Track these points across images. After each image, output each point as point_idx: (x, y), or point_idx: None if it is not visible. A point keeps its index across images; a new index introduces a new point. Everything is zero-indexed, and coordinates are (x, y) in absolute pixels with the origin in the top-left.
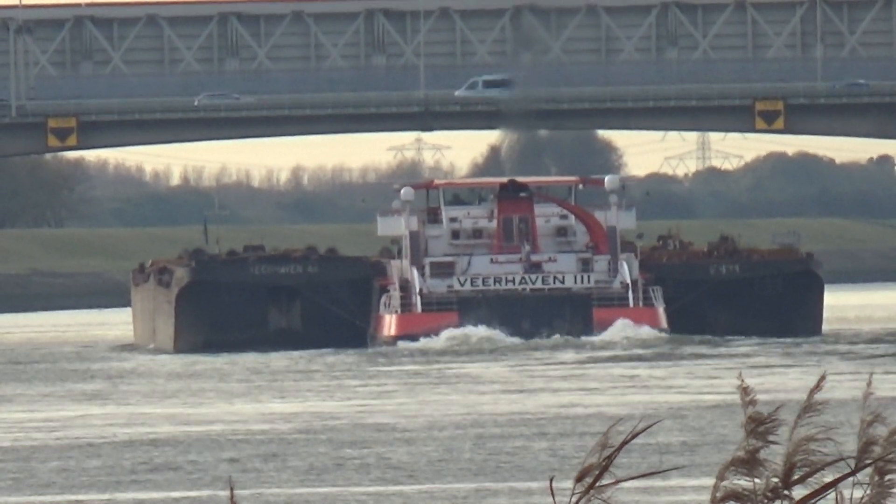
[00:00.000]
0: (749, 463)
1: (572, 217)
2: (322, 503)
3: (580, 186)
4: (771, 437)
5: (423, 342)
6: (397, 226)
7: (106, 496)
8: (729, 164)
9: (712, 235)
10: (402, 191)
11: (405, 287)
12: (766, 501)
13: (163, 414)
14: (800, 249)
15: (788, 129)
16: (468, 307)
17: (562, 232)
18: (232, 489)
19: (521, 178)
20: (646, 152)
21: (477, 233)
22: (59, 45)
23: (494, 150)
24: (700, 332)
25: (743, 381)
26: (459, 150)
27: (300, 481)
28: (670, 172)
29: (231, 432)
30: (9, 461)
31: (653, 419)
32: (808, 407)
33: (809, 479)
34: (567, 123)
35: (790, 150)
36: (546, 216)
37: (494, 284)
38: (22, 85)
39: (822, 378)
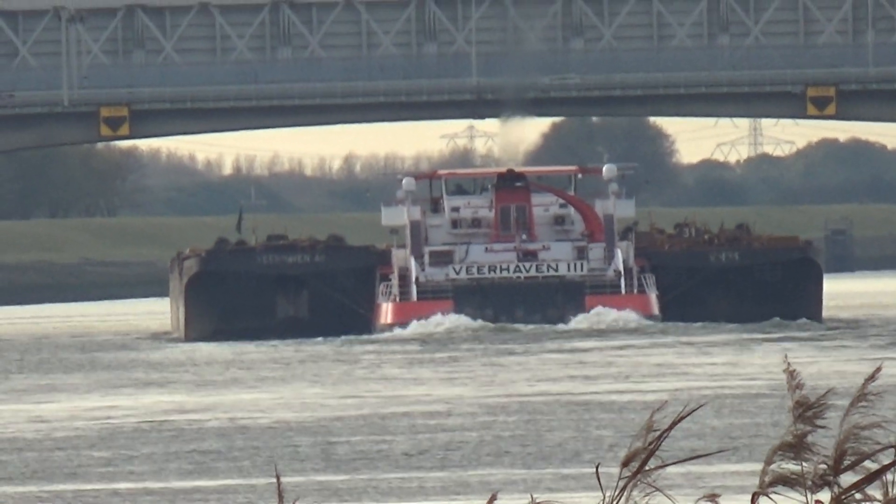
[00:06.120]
0: (797, 447)
1: (571, 206)
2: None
3: (579, 175)
4: (819, 422)
5: (395, 332)
6: (400, 215)
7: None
8: (781, 151)
9: (760, 223)
10: (404, 181)
11: (404, 275)
12: (814, 488)
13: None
14: (807, 240)
15: (840, 116)
16: (463, 295)
17: (559, 221)
18: (279, 477)
19: (520, 168)
20: (698, 139)
21: (476, 222)
22: (112, 34)
23: (546, 138)
24: (698, 319)
25: (789, 364)
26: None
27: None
28: (722, 159)
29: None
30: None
31: (697, 404)
32: (861, 396)
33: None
34: (619, 110)
35: (842, 137)
36: (545, 205)
37: (490, 273)
38: (74, 74)
39: (879, 369)
